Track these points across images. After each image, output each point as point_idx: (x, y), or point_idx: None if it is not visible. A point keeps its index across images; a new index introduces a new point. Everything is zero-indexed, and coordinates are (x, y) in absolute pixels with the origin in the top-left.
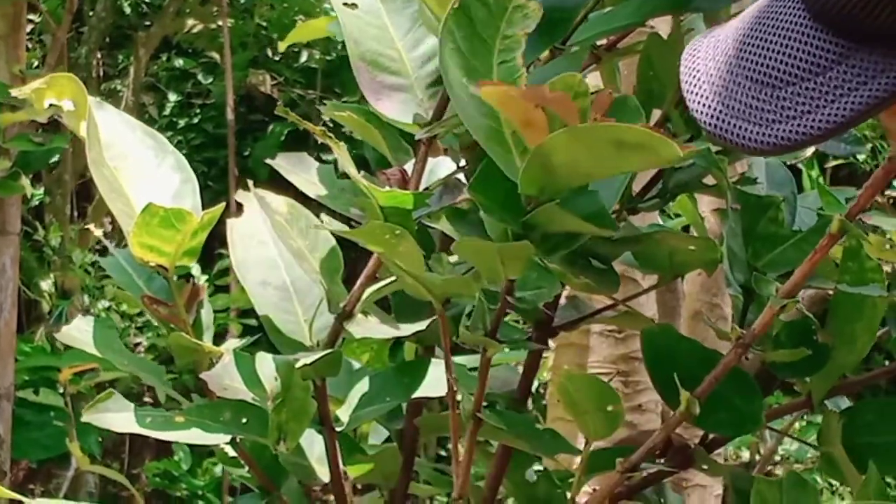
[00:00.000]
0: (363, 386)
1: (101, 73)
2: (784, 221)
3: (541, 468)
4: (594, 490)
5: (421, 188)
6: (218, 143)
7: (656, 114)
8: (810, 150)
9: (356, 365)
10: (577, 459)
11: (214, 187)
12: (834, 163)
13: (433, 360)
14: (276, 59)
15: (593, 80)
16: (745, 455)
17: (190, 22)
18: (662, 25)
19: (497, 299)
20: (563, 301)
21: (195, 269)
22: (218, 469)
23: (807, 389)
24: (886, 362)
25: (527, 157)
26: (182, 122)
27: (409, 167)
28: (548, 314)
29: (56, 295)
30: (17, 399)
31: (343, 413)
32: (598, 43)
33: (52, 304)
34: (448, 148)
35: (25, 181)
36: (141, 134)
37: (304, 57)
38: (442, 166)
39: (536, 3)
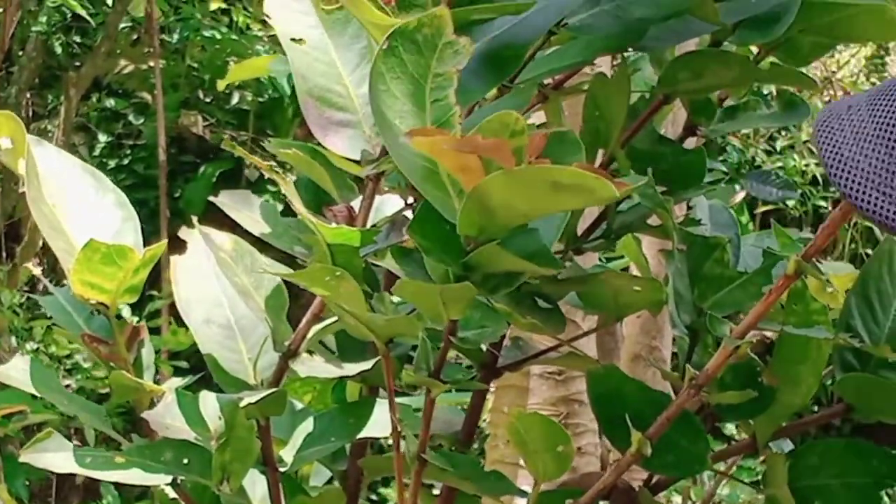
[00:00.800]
0: (307, 426)
1: (31, 113)
2: (729, 262)
3: None
4: None
5: (368, 225)
6: (148, 184)
7: (601, 153)
8: (740, 195)
9: (298, 405)
10: (521, 502)
11: (145, 228)
12: (763, 208)
13: (378, 400)
14: (208, 100)
15: (538, 119)
16: (677, 500)
17: (122, 62)
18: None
19: (441, 339)
20: (507, 342)
21: (126, 311)
22: None
23: (751, 431)
24: None
25: (464, 198)
26: (112, 163)
27: (355, 204)
28: (494, 354)
29: None
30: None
31: (287, 454)
32: (545, 81)
33: None
34: (394, 187)
35: None
36: (80, 171)
37: (235, 98)
38: (388, 204)
39: (467, 39)
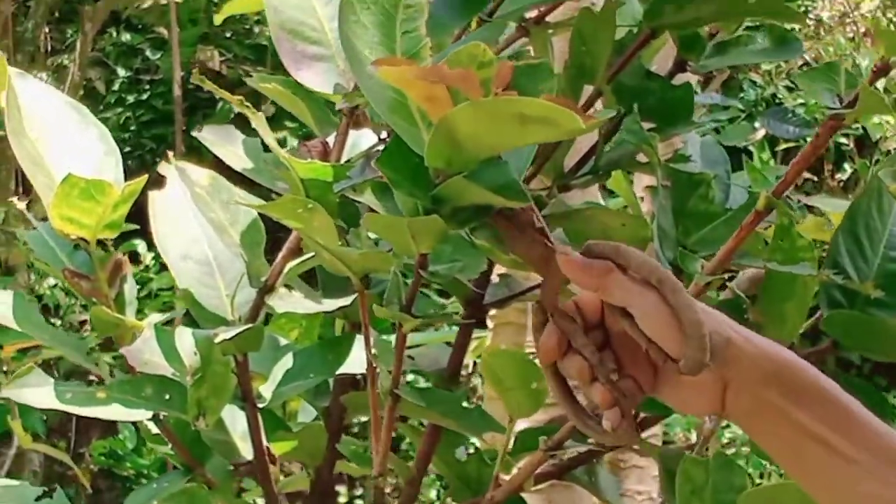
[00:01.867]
0: (287, 362)
1: (49, 48)
2: (715, 199)
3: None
4: None
5: (343, 160)
6: (167, 120)
7: (588, 89)
8: (761, 132)
9: (283, 341)
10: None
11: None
12: (785, 145)
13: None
14: (228, 35)
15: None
16: (694, 437)
17: None
18: None
19: None
20: (495, 279)
21: (141, 247)
22: None
23: None
24: None
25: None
26: (131, 98)
27: (333, 140)
28: (477, 292)
29: (0, 271)
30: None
31: (266, 389)
32: (528, 16)
33: None
34: (371, 120)
35: None
36: (64, 105)
37: (255, 33)
38: (366, 138)
39: None
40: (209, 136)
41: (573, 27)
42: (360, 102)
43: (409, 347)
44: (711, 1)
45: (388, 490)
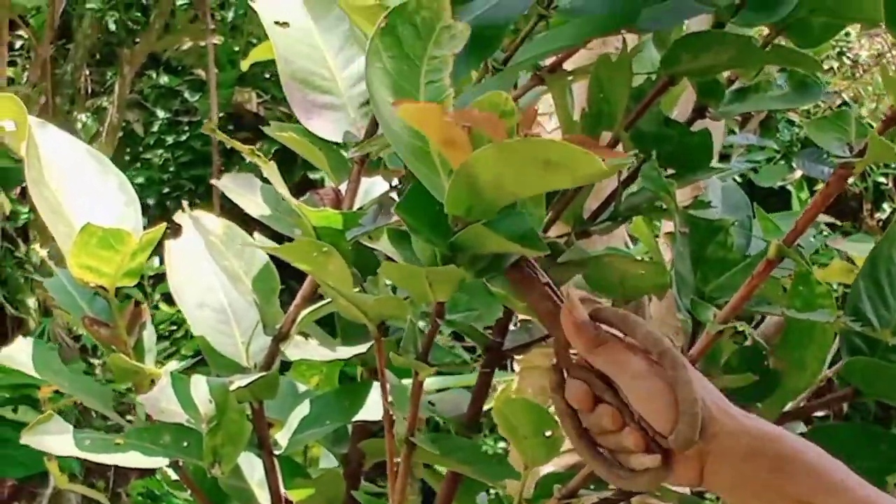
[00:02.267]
0: (304, 409)
1: (90, 90)
2: (733, 245)
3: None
4: None
5: (355, 208)
6: (206, 161)
7: (606, 136)
8: (799, 172)
9: (302, 388)
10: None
11: (202, 205)
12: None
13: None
14: (267, 76)
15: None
16: None
17: (182, 39)
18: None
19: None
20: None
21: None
22: None
23: (759, 414)
24: None
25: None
26: (170, 140)
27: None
28: (495, 340)
29: (40, 312)
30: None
31: (282, 437)
32: (542, 64)
33: (38, 322)
34: (382, 168)
35: (3, 198)
36: (85, 154)
37: None
38: (378, 186)
39: (464, 25)
40: (229, 184)
41: (591, 74)
42: (371, 151)
43: (430, 392)
44: (727, 49)
45: None
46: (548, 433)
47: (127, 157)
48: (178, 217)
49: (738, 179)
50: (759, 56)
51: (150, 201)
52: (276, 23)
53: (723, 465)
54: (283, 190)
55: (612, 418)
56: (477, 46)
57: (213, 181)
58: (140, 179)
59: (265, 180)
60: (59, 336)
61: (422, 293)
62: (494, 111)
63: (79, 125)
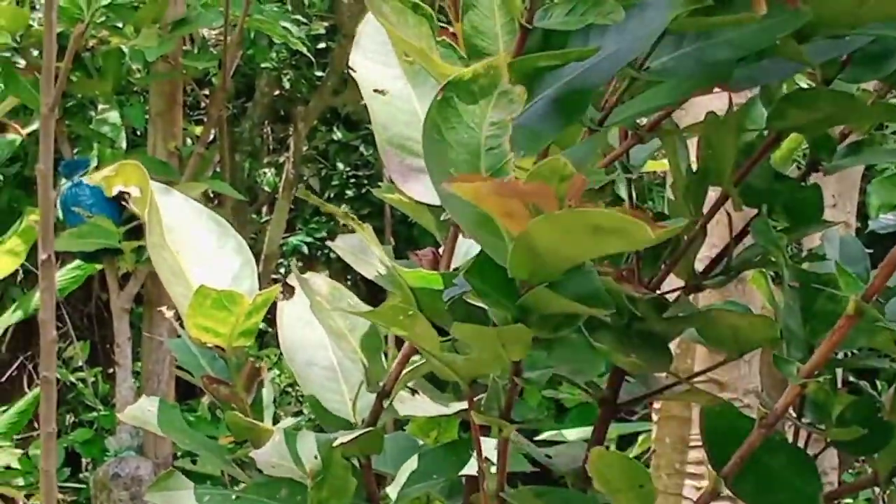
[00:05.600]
0: (413, 463)
1: (269, 147)
2: (843, 299)
3: None
4: None
5: (451, 268)
6: (382, 213)
7: (716, 190)
8: None
9: (420, 443)
10: None
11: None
12: None
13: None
14: None
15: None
16: None
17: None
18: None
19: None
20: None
21: None
22: None
23: (874, 467)
24: None
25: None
26: (350, 192)
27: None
28: (610, 391)
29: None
30: (175, 467)
31: (392, 490)
32: (641, 122)
33: None
34: None
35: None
36: (206, 219)
37: None
38: (476, 246)
39: (522, 88)
40: (342, 244)
41: (701, 132)
42: None
43: (546, 444)
44: (830, 105)
45: None
46: (642, 486)
47: (309, 212)
48: (290, 279)
49: None
50: (865, 112)
51: (333, 255)
52: (376, 90)
53: None
54: (378, 252)
55: None
56: (563, 110)
57: (328, 243)
58: (321, 233)
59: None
60: None
61: (495, 353)
62: (554, 176)
63: (260, 181)
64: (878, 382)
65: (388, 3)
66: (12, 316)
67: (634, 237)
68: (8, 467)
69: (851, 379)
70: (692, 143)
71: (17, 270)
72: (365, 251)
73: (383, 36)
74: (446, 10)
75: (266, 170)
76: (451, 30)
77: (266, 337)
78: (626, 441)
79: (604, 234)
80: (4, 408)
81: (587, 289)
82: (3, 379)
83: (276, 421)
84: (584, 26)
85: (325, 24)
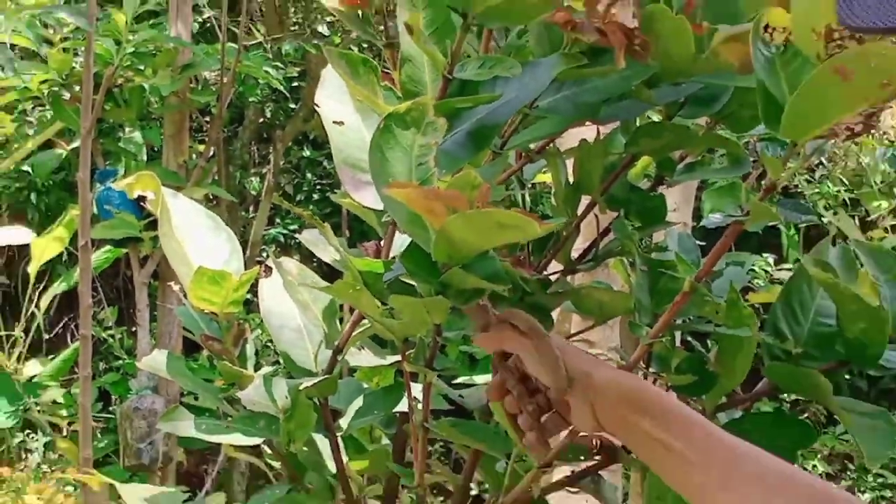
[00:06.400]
0: (359, 402)
1: (255, 161)
2: (680, 280)
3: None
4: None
5: (389, 257)
6: (339, 211)
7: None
8: None
9: (366, 386)
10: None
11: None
12: (805, 224)
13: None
14: None
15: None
16: None
17: None
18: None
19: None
20: None
21: None
22: None
23: (702, 405)
24: None
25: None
26: (316, 196)
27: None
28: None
29: None
30: (182, 403)
31: (344, 422)
32: (533, 146)
33: None
34: None
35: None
36: (204, 216)
37: None
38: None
39: (443, 119)
40: (307, 236)
41: (576, 154)
42: None
43: (460, 387)
44: (672, 135)
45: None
46: None
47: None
48: (268, 262)
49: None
50: (697, 140)
51: (302, 244)
52: (335, 122)
53: (604, 409)
54: (335, 244)
55: (510, 405)
56: (476, 140)
57: (298, 235)
58: (294, 226)
59: None
60: None
61: (422, 319)
62: (468, 185)
63: (248, 187)
64: (708, 342)
65: (343, 59)
66: (59, 287)
67: (526, 231)
68: (55, 401)
69: (687, 339)
70: (570, 163)
71: (62, 252)
72: (325, 242)
73: (341, 81)
74: (386, 60)
75: (252, 178)
76: (392, 75)
77: (251, 305)
78: None
79: (503, 228)
80: (52, 357)
81: (490, 270)
82: (52, 335)
83: (257, 369)
84: (492, 77)
85: (298, 69)
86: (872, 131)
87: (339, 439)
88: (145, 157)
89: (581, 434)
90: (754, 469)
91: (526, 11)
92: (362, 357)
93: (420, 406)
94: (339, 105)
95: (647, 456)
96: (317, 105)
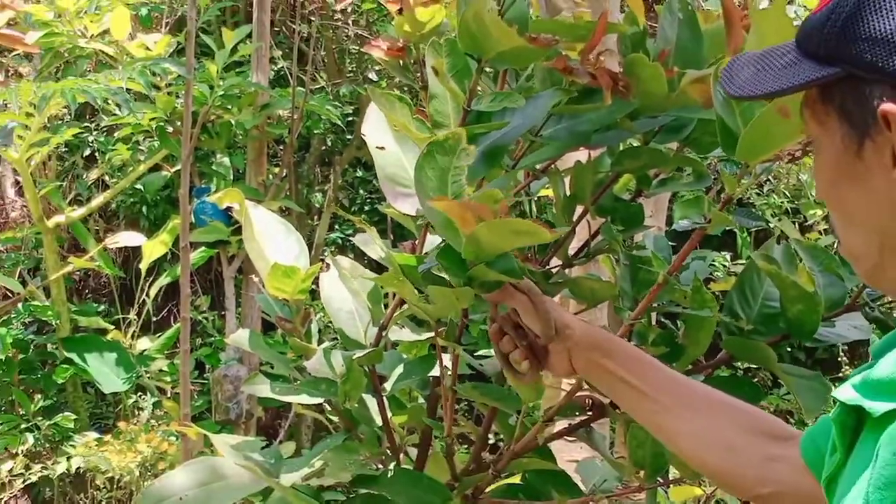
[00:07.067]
0: (400, 369)
1: (319, 180)
2: (656, 273)
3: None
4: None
5: (422, 253)
6: (388, 220)
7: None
8: None
9: (404, 357)
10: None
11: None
12: (755, 228)
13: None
14: None
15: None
16: None
17: None
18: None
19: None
20: None
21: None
22: None
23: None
24: None
25: (464, 238)
26: (367, 207)
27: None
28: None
29: None
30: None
31: (388, 385)
32: (538, 167)
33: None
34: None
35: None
36: (278, 224)
37: None
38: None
39: (473, 147)
40: (360, 239)
41: (572, 173)
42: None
43: (481, 358)
44: (648, 157)
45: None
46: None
47: (342, 220)
48: (328, 260)
49: None
50: (669, 161)
51: (356, 245)
52: (378, 147)
53: (578, 354)
54: (379, 244)
55: (507, 343)
56: (490, 159)
57: (353, 238)
58: (349, 231)
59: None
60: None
61: (452, 304)
62: (491, 199)
63: (313, 200)
64: (678, 322)
65: (384, 97)
66: (164, 280)
67: (539, 237)
68: (161, 370)
69: (661, 319)
70: (567, 179)
71: (167, 252)
72: (374, 243)
73: (381, 115)
74: (420, 99)
75: (317, 194)
76: (426, 111)
77: (315, 293)
78: None
79: (521, 234)
80: (159, 335)
81: (508, 266)
82: (158, 317)
83: (319, 343)
84: (502, 109)
85: (352, 107)
86: (808, 155)
87: (384, 398)
88: (232, 177)
89: (577, 395)
90: (693, 389)
91: (526, 57)
92: (403, 333)
93: (449, 372)
94: (381, 134)
95: (613, 393)
96: (364, 134)
